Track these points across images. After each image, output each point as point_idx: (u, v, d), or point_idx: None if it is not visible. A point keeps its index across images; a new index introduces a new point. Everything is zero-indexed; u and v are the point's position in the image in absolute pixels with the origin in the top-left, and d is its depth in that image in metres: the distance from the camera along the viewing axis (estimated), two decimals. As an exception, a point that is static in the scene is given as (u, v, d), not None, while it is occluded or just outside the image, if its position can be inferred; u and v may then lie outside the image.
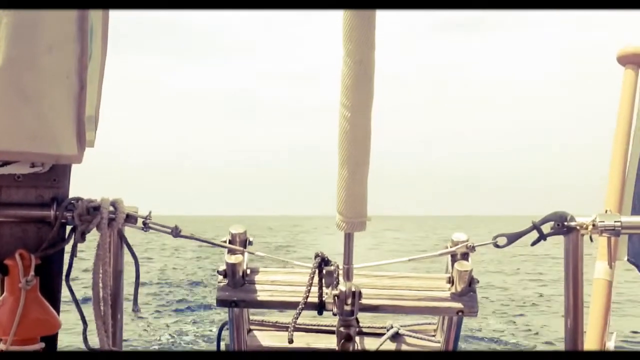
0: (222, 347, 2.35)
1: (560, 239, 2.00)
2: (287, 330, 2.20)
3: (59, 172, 1.87)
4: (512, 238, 2.01)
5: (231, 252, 1.99)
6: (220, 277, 2.02)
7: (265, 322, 2.32)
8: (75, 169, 1.91)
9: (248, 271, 2.05)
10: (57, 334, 1.87)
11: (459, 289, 2.00)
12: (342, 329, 1.95)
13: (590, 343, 2.54)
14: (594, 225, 1.96)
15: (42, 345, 1.80)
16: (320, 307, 1.96)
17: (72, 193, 1.91)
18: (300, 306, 1.93)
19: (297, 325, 1.95)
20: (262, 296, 2.02)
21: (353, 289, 1.88)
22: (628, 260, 2.76)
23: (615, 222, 1.96)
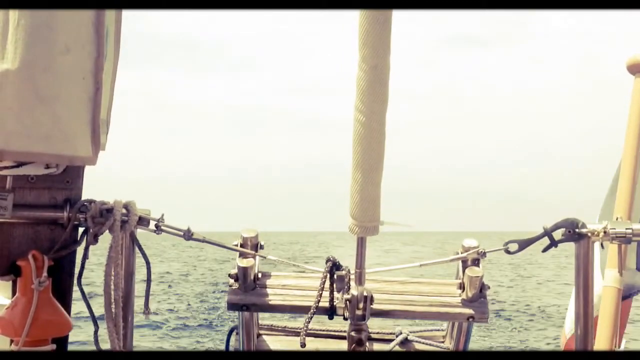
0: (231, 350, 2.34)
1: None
2: (296, 335, 2.20)
3: (72, 174, 1.87)
4: (524, 244, 2.01)
5: (242, 255, 1.99)
6: (232, 280, 2.01)
7: (274, 326, 2.32)
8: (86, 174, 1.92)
9: (259, 275, 2.04)
10: (68, 335, 1.88)
11: (469, 294, 2.00)
12: (353, 333, 1.95)
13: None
14: (605, 232, 1.96)
15: (54, 346, 1.80)
16: (331, 311, 1.96)
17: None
18: (311, 310, 1.93)
19: (307, 330, 1.95)
20: (273, 300, 2.01)
21: (365, 294, 1.88)
22: (638, 269, 2.75)
23: (626, 229, 1.96)
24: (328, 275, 1.96)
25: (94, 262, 2.01)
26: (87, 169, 1.90)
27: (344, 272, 1.96)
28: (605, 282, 2.62)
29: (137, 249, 1.95)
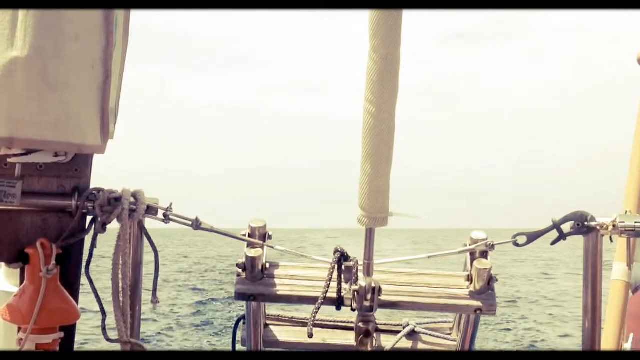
0: (238, 339, 2.34)
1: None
2: (303, 326, 2.19)
3: (80, 162, 1.86)
4: (532, 237, 2.01)
5: (250, 245, 1.99)
6: (239, 270, 2.01)
7: (281, 317, 2.32)
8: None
9: (267, 265, 2.04)
10: (75, 323, 1.88)
11: (477, 287, 2.00)
12: (361, 324, 1.95)
13: (607, 344, 2.53)
14: (614, 225, 1.96)
15: (61, 334, 1.80)
16: (339, 302, 1.96)
17: None
18: (319, 301, 1.93)
19: (315, 321, 1.95)
20: (280, 290, 2.01)
21: (373, 285, 1.88)
22: None
23: (635, 222, 1.96)
24: (336, 266, 1.96)
25: (101, 252, 2.01)
26: (95, 160, 1.90)
27: (352, 263, 1.96)
28: (614, 275, 2.61)
29: (145, 238, 1.95)
